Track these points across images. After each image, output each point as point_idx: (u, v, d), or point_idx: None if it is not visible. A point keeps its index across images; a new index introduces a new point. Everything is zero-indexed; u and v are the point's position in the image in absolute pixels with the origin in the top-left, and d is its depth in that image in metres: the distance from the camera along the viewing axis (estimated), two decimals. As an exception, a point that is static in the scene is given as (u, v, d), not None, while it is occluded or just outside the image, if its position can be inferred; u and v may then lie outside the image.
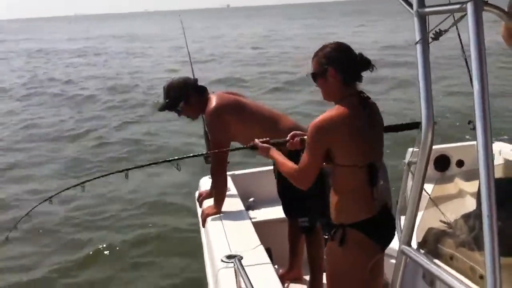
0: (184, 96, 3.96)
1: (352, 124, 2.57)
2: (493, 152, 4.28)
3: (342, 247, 2.64)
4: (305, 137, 2.99)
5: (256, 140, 3.11)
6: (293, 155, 2.97)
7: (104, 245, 7.13)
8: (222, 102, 3.89)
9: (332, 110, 2.60)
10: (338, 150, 2.59)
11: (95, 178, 3.41)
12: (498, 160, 4.19)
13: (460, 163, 4.67)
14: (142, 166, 3.57)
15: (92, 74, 25.88)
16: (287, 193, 4.06)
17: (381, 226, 2.67)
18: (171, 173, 9.87)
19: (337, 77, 2.61)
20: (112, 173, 3.40)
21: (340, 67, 2.60)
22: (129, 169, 3.27)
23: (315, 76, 2.69)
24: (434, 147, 4.91)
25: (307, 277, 4.19)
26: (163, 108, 4.07)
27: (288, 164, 2.82)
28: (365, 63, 2.63)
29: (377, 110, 2.75)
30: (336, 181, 2.69)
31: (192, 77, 4.17)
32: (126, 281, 6.27)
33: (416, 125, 3.46)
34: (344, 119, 2.56)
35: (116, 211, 8.48)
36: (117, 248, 7.08)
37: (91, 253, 7.01)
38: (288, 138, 3.08)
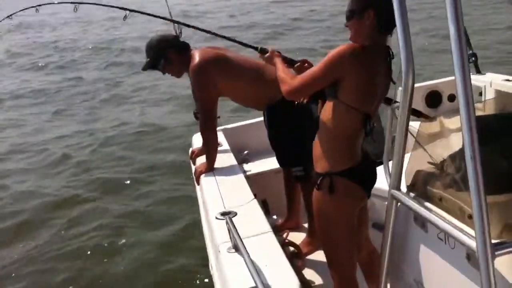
0: (163, 54, 3.88)
1: (374, 67, 2.54)
2: (484, 84, 4.26)
3: (330, 195, 2.64)
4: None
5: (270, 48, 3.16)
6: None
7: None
8: (205, 57, 3.81)
9: (352, 44, 2.54)
10: (349, 84, 2.54)
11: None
12: (489, 93, 4.13)
13: (451, 98, 4.62)
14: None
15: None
16: (279, 143, 4.05)
17: (365, 172, 2.70)
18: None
19: (373, 21, 2.52)
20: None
21: (380, 12, 2.50)
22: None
23: (352, 13, 2.58)
24: (424, 83, 4.88)
25: (306, 225, 4.21)
26: (145, 67, 3.99)
27: (287, 71, 2.78)
28: None
29: (391, 70, 2.70)
30: (330, 121, 2.65)
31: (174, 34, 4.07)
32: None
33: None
34: (371, 58, 2.52)
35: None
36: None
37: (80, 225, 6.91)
38: (299, 61, 3.12)
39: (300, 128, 3.79)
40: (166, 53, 3.88)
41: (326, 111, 2.67)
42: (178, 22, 4.00)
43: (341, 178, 2.63)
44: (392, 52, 2.62)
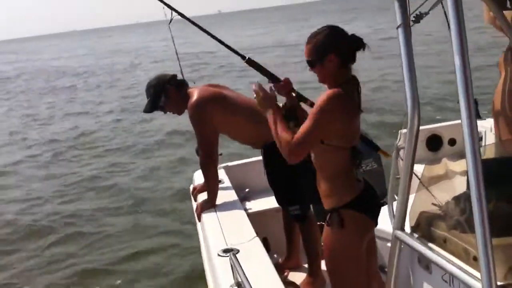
0: (163, 90, 3.94)
1: (351, 106, 2.60)
2: (485, 129, 4.30)
3: (341, 229, 2.66)
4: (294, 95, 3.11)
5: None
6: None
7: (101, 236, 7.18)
8: (204, 94, 3.87)
9: (337, 90, 2.58)
10: (335, 130, 2.59)
11: None
12: (490, 137, 4.17)
13: (452, 142, 4.66)
14: None
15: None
16: (275, 182, 4.06)
17: (369, 201, 2.73)
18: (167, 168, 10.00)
19: (335, 60, 2.59)
20: None
21: (336, 51, 2.58)
22: None
23: (313, 62, 2.65)
24: (425, 127, 4.94)
25: (306, 265, 4.19)
26: (147, 107, 4.03)
27: (285, 130, 2.70)
28: (359, 43, 2.62)
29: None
30: (322, 164, 2.72)
31: (181, 75, 4.14)
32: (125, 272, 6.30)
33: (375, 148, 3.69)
34: (347, 100, 2.57)
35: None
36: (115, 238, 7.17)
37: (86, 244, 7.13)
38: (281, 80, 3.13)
39: (295, 168, 3.83)
40: (166, 90, 3.93)
41: (316, 155, 2.73)
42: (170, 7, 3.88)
43: (348, 210, 2.65)
44: (358, 82, 2.70)
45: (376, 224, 2.83)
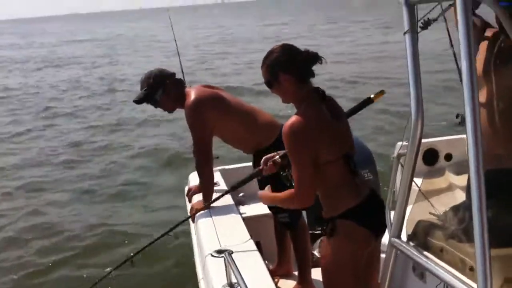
0: (162, 84, 3.90)
1: (321, 121, 2.57)
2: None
3: (333, 238, 2.62)
4: (277, 157, 3.04)
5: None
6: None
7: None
8: (201, 95, 3.84)
9: (299, 113, 2.58)
10: (315, 152, 2.56)
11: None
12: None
13: (448, 157, 4.66)
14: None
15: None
16: (264, 188, 4.04)
17: (370, 212, 2.65)
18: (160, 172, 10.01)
19: (291, 79, 2.60)
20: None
21: (290, 69, 2.59)
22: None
23: (270, 83, 2.68)
24: (422, 141, 4.93)
25: (296, 273, 4.17)
26: (140, 98, 3.97)
27: (284, 195, 2.73)
28: (313, 58, 2.62)
29: (336, 103, 2.75)
30: (320, 179, 2.66)
31: (181, 71, 4.14)
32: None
33: (369, 101, 3.58)
34: (313, 119, 2.55)
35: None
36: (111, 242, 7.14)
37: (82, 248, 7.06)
38: (261, 166, 3.12)
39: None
40: (165, 84, 3.90)
41: None
42: None
43: (343, 220, 2.61)
44: (323, 90, 2.68)
45: (377, 238, 2.75)
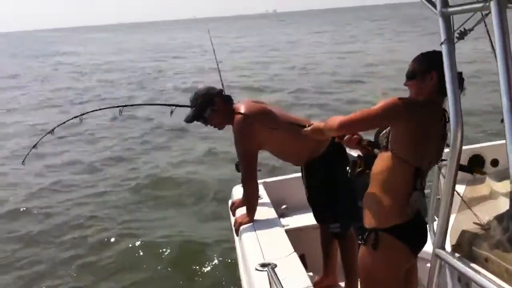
0: (210, 102, 3.96)
1: (426, 121, 2.58)
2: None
3: (374, 251, 2.63)
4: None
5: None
6: None
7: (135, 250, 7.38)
8: (252, 110, 3.89)
9: (417, 100, 2.61)
10: (400, 133, 2.58)
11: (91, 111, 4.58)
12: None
13: (495, 163, 4.58)
14: (138, 104, 3.92)
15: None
16: (316, 199, 4.06)
17: (414, 231, 2.65)
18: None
19: (435, 82, 2.59)
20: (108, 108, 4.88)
21: (442, 74, 2.53)
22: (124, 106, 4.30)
23: (415, 74, 2.67)
24: (467, 146, 4.87)
25: (342, 284, 4.16)
26: (190, 117, 4.04)
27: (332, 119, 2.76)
28: (460, 81, 2.54)
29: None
30: (381, 173, 2.67)
31: (221, 86, 4.20)
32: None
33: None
34: (424, 112, 2.57)
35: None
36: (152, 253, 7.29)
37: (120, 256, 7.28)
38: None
39: (337, 186, 3.83)
40: (214, 102, 3.96)
41: (378, 164, 2.69)
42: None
43: (387, 235, 2.61)
44: (448, 115, 2.61)
45: (416, 256, 2.77)
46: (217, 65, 4.80)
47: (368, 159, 2.91)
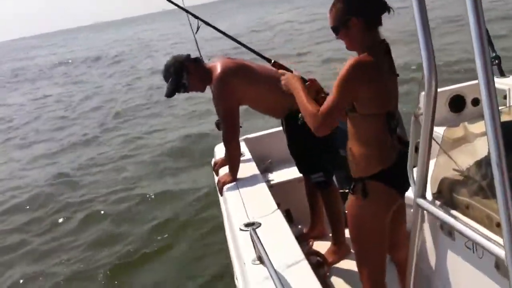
0: (183, 68, 3.88)
1: (379, 70, 2.53)
2: (508, 87, 4.17)
3: (363, 200, 2.64)
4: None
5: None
6: None
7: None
8: (229, 66, 3.83)
9: (363, 55, 2.53)
10: (365, 97, 2.53)
11: None
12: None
13: (476, 102, 4.54)
14: None
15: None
16: (298, 151, 4.03)
17: (400, 173, 2.61)
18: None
19: (360, 24, 2.53)
20: None
21: (361, 14, 2.52)
22: None
23: (337, 28, 2.60)
24: (447, 87, 4.82)
25: (330, 234, 4.18)
26: (169, 90, 3.95)
27: (312, 105, 2.67)
28: (384, 6, 2.54)
29: (393, 60, 2.67)
30: (355, 131, 2.66)
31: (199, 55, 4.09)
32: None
33: None
34: (374, 65, 2.50)
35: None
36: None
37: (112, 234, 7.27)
38: (308, 80, 3.08)
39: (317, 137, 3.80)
40: (186, 66, 3.88)
41: (350, 124, 2.67)
42: (196, 17, 3.94)
43: (373, 182, 2.62)
44: (388, 44, 2.62)
45: (403, 196, 2.78)
46: (194, 34, 4.65)
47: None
